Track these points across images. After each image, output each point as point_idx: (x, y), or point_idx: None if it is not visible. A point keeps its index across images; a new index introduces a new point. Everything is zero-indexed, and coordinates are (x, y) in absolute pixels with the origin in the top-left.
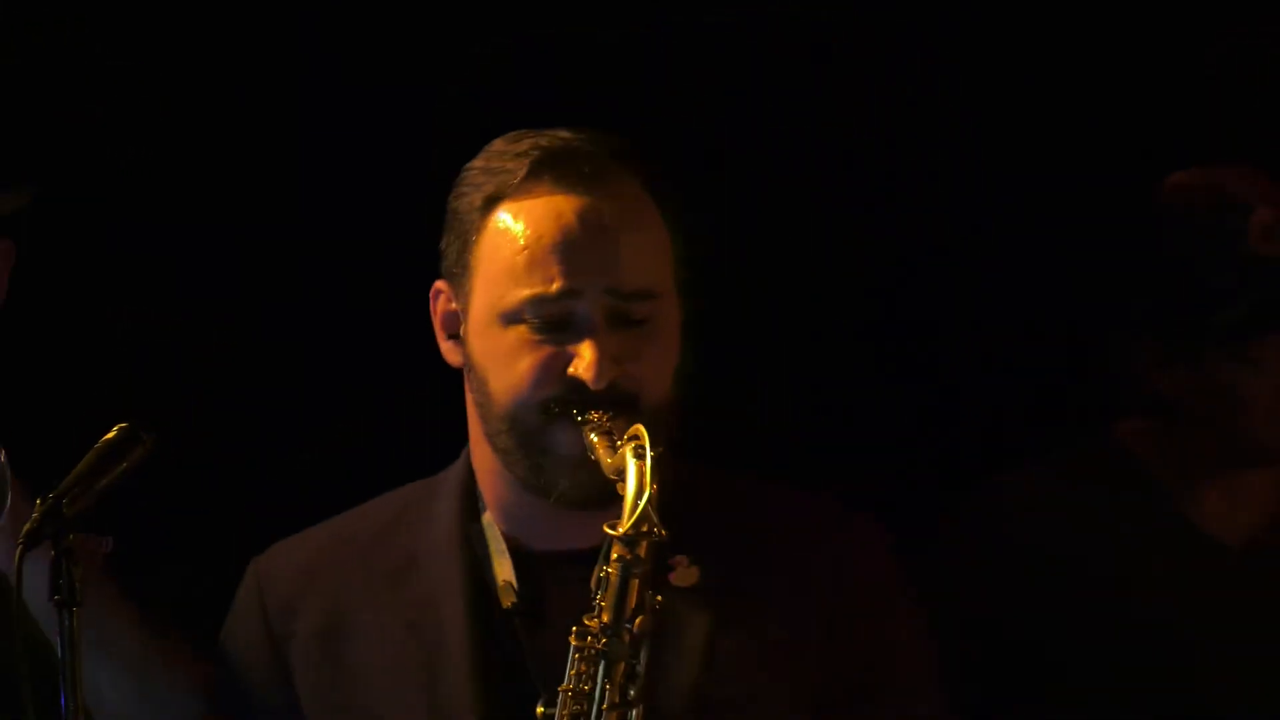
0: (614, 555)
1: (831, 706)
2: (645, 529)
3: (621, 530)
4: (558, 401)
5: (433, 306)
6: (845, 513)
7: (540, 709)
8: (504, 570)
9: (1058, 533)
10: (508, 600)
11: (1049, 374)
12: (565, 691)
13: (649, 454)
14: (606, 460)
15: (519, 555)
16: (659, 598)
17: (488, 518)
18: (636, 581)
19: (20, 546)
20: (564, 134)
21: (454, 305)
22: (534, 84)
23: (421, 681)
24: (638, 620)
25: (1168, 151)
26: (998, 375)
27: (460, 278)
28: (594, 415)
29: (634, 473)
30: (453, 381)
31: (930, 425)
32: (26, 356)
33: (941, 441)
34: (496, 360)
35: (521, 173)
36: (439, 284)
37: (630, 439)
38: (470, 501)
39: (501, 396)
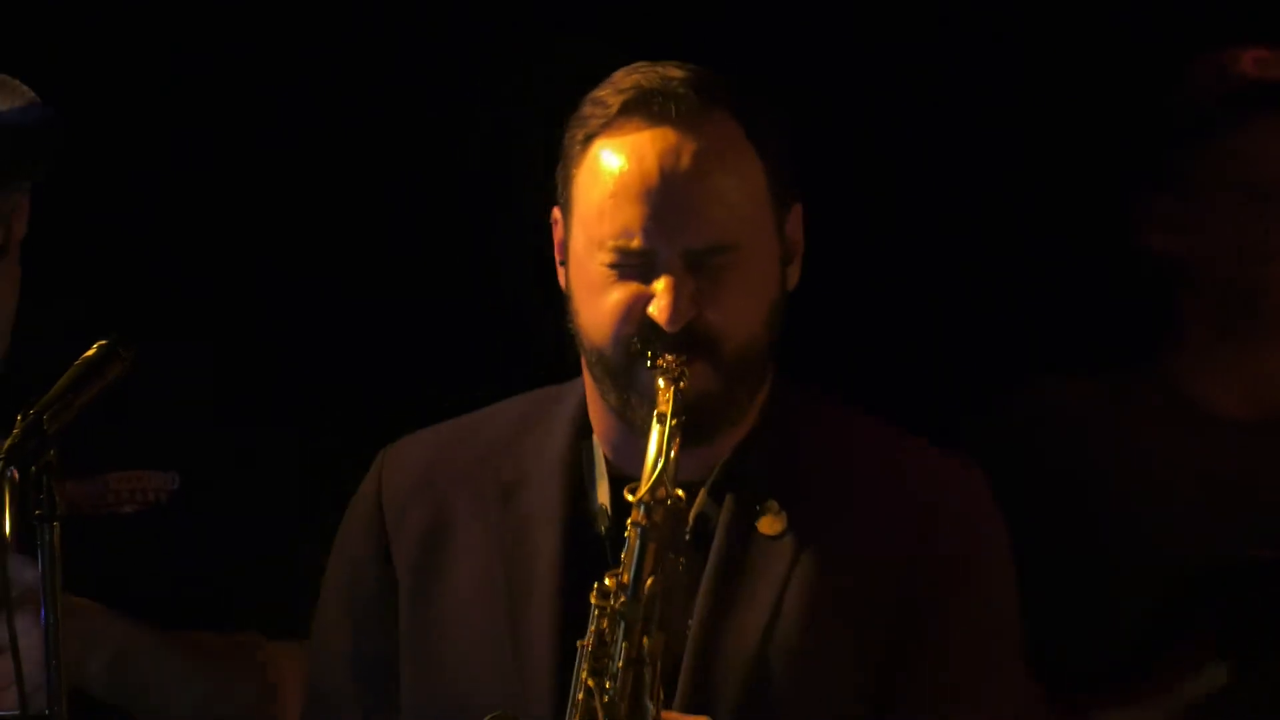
0: (631, 519)
1: (899, 669)
2: (663, 495)
3: (638, 496)
4: (637, 341)
5: (553, 232)
6: (948, 466)
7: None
8: (601, 494)
9: (1086, 442)
10: (602, 525)
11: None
12: (585, 647)
13: (669, 420)
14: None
15: (616, 480)
16: (682, 559)
17: (596, 438)
18: (654, 545)
19: (2, 462)
20: (671, 71)
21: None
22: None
23: (505, 608)
24: (649, 581)
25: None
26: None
27: (565, 209)
28: (666, 360)
29: (654, 437)
30: None
31: (954, 329)
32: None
33: (963, 345)
34: (585, 294)
35: (615, 109)
36: (555, 211)
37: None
38: (584, 420)
39: (589, 330)
